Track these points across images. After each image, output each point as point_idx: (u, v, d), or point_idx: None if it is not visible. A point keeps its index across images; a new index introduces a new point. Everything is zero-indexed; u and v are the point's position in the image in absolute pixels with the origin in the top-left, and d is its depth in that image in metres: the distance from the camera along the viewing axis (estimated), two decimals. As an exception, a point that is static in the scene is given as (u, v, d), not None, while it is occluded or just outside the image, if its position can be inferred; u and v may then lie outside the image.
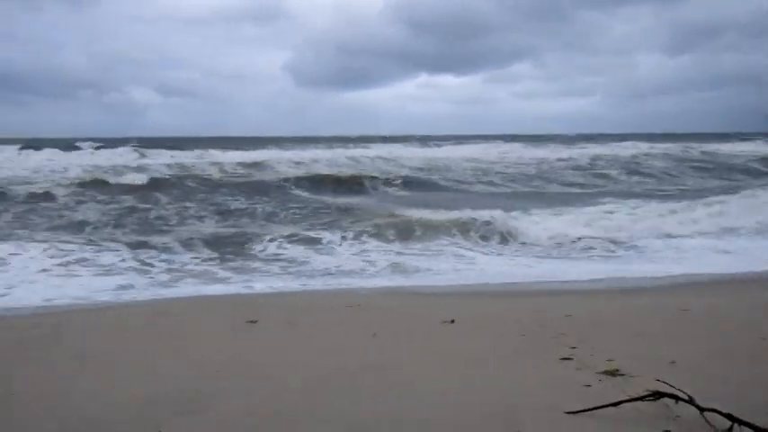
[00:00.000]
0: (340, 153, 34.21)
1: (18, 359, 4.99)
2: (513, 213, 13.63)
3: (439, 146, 44.72)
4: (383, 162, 29.41)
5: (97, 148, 39.40)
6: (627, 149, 36.02)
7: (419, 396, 3.93)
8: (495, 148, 39.33)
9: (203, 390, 4.10)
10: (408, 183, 22.87)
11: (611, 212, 14.86)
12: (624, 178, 25.80)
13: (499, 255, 11.11)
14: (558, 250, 11.30)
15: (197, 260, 10.35)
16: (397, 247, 11.53)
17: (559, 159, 30.22)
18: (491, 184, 23.96)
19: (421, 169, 26.65)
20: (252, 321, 6.03)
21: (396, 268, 9.76)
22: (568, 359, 4.64)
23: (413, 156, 32.83)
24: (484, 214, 13.20)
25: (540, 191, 22.29)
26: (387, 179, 23.08)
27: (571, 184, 23.96)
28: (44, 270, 9.45)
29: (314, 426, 3.53)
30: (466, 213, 13.40)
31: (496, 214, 13.17)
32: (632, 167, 28.56)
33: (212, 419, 3.64)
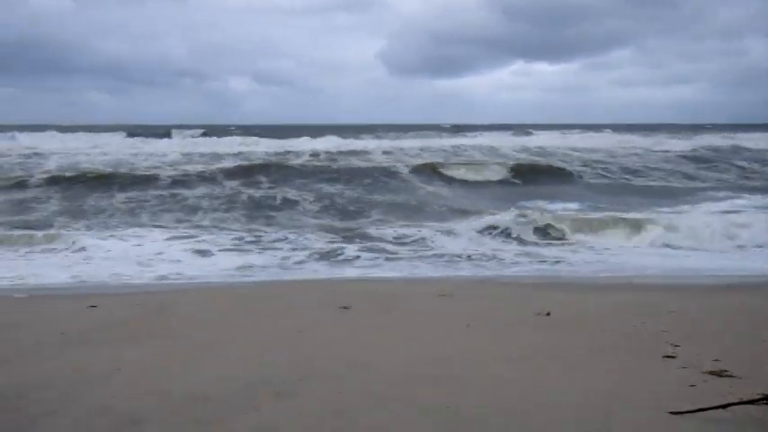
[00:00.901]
0: (447, 141, 33.64)
1: (126, 336, 5.23)
2: (631, 212, 13.17)
3: (536, 134, 43.58)
4: (486, 151, 28.71)
5: (203, 134, 40.90)
6: (745, 141, 34.08)
7: (512, 388, 3.87)
8: (602, 138, 38.00)
9: (299, 373, 4.18)
10: (519, 171, 22.06)
11: (735, 209, 14.24)
12: (746, 171, 24.29)
13: (618, 247, 10.83)
14: (674, 244, 10.92)
15: (315, 243, 10.72)
16: (519, 236, 11.49)
17: (680, 152, 28.72)
18: (604, 174, 23.09)
19: (528, 158, 25.93)
20: (345, 307, 6.11)
21: (522, 256, 9.84)
22: (671, 357, 4.46)
23: (516, 144, 31.99)
24: (603, 207, 13.02)
25: (657, 183, 21.41)
26: (500, 167, 22.36)
27: (690, 177, 22.77)
28: (159, 252, 9.97)
29: (407, 413, 3.53)
30: (587, 204, 13.17)
31: (613, 207, 12.93)
32: (755, 158, 26.96)
33: (308, 403, 3.70)
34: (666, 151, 28.97)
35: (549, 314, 5.76)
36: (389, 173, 20.85)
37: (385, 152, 26.86)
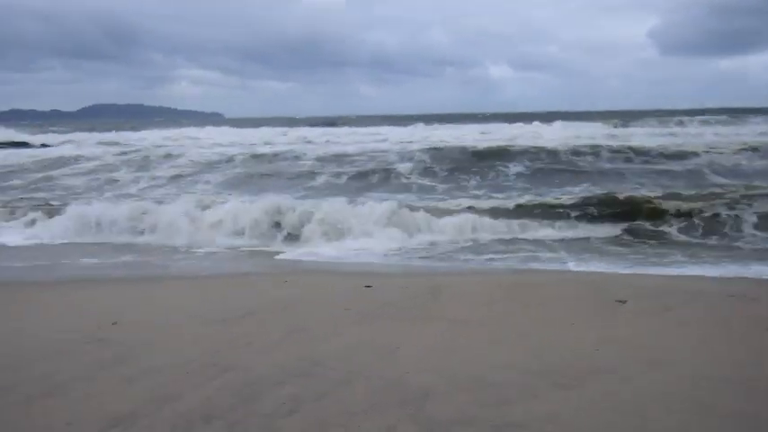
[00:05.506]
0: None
1: (403, 315, 5.51)
2: None
3: None
4: None
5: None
6: None
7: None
8: None
9: (578, 366, 4.11)
10: None
11: None
12: None
13: None
14: None
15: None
16: None
17: None
18: None
19: None
20: (621, 301, 5.84)
21: None
22: None
23: None
24: None
25: None
26: None
27: None
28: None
29: (702, 417, 3.31)
30: None
31: None
32: None
33: (590, 396, 3.62)
34: None
35: None
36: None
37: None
